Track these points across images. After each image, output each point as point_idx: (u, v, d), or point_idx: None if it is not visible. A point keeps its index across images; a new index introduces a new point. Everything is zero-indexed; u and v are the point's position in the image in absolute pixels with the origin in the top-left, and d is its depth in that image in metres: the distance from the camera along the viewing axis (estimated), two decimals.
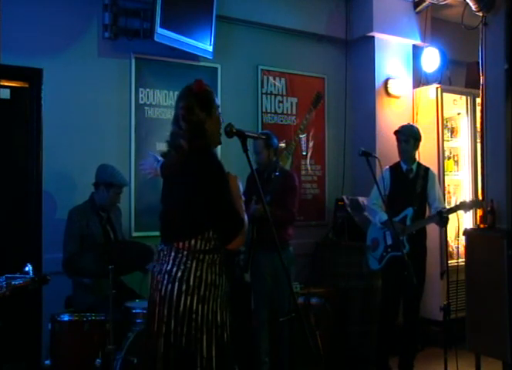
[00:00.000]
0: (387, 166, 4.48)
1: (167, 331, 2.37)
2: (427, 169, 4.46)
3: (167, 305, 2.39)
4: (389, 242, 4.34)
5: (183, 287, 2.38)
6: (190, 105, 2.47)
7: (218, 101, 2.58)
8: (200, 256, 2.41)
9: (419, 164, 4.49)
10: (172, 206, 2.52)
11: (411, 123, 4.95)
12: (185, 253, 2.41)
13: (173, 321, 2.37)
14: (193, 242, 2.41)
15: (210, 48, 4.65)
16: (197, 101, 2.48)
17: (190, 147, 2.43)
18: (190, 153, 2.43)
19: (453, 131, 5.86)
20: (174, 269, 2.41)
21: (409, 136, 4.40)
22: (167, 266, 2.43)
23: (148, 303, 2.54)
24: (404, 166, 4.46)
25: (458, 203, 4.42)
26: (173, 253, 2.44)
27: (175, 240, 2.44)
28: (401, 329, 4.39)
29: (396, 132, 4.48)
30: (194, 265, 2.40)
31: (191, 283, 2.39)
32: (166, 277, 2.42)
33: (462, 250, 4.85)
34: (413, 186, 4.37)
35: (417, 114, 5.71)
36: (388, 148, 5.00)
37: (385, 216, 4.23)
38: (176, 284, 2.39)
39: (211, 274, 2.43)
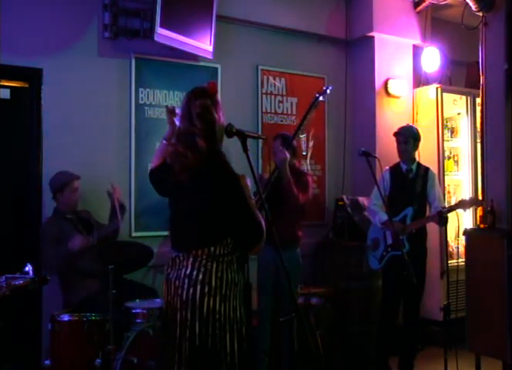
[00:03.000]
0: (387, 167, 4.48)
1: (191, 335, 2.38)
2: (427, 169, 4.47)
3: (190, 309, 2.39)
4: (390, 241, 4.34)
5: (206, 289, 2.39)
6: (207, 105, 2.47)
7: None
8: (219, 258, 2.42)
9: (418, 164, 4.49)
10: (188, 213, 2.48)
11: (410, 124, 4.95)
12: (204, 257, 2.42)
13: (197, 324, 2.38)
14: (212, 249, 2.42)
15: (210, 48, 4.65)
16: (212, 102, 2.49)
17: (208, 147, 2.42)
18: (207, 153, 2.41)
19: (453, 131, 5.87)
20: (194, 272, 2.41)
21: (408, 137, 4.41)
22: (186, 270, 2.43)
23: (166, 310, 2.52)
24: (404, 167, 4.46)
25: (457, 202, 4.42)
26: (191, 259, 2.43)
27: (193, 248, 2.44)
28: (401, 329, 4.39)
29: (396, 134, 4.49)
30: (215, 266, 2.41)
31: (213, 284, 2.39)
32: (186, 281, 2.42)
33: (462, 250, 4.85)
34: (413, 186, 4.37)
35: (417, 114, 5.71)
36: (388, 148, 4.99)
37: (385, 217, 4.23)
38: (198, 286, 2.39)
39: (231, 273, 2.45)
